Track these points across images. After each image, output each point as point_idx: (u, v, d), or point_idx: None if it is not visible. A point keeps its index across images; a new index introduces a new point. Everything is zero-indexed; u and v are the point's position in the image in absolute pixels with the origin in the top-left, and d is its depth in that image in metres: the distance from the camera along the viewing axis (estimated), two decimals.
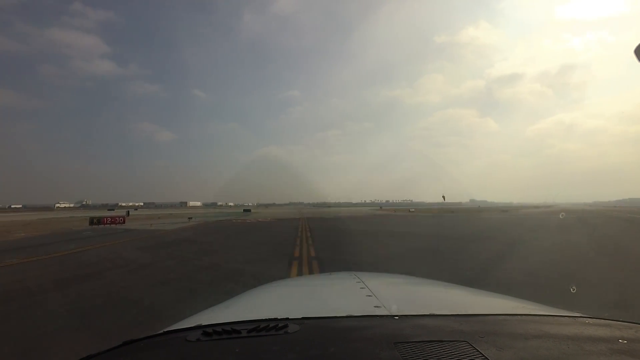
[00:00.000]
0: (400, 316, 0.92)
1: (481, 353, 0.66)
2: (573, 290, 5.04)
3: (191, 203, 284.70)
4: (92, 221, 25.29)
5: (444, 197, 66.66)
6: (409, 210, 66.13)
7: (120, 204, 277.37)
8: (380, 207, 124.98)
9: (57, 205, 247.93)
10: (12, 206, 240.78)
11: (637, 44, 1.34)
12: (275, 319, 0.88)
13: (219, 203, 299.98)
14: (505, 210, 55.68)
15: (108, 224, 25.72)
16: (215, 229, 21.13)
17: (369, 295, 1.21)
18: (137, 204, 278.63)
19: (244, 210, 72.08)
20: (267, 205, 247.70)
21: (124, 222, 26.67)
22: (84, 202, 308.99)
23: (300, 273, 6.91)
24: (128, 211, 50.17)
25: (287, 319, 0.88)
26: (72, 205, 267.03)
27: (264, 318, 0.90)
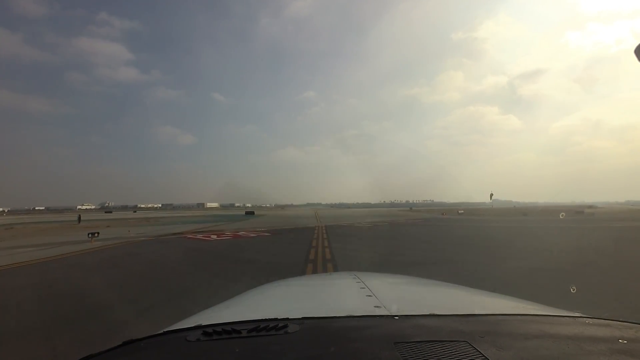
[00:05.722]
0: (400, 316, 0.91)
1: (481, 353, 0.65)
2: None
3: (209, 204, 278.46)
4: None
5: (491, 195, 51.96)
6: (458, 212, 51.20)
7: (139, 205, 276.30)
8: (410, 208, 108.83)
9: (80, 207, 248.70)
10: (36, 208, 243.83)
11: (637, 44, 1.37)
12: (276, 319, 0.87)
13: (237, 204, 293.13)
14: (580, 212, 40.82)
15: None
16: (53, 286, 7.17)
17: (369, 295, 1.19)
18: (155, 205, 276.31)
19: (246, 212, 58.87)
20: (283, 206, 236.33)
21: None
22: (106, 204, 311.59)
23: None
24: (79, 215, 38.21)
25: (287, 319, 0.87)
26: (94, 206, 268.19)
27: (264, 318, 0.89)
